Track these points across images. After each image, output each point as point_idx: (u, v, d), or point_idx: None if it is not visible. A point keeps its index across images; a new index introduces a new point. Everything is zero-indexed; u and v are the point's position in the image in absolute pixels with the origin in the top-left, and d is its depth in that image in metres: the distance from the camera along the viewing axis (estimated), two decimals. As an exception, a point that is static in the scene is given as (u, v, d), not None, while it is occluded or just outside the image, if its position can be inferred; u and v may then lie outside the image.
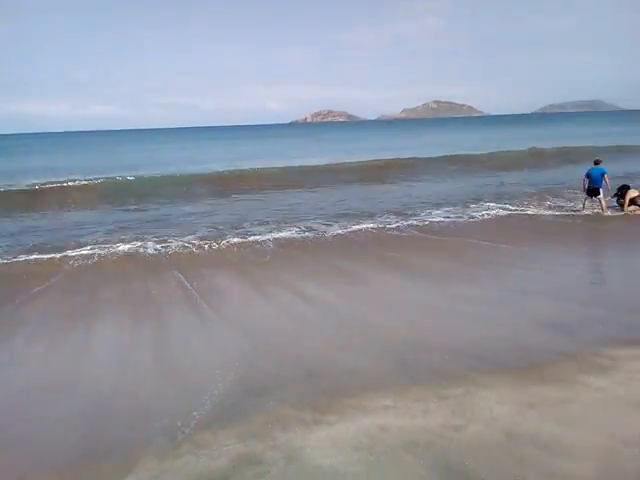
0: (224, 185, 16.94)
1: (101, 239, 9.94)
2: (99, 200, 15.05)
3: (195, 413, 3.81)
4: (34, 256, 8.70)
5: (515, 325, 5.23)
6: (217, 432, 3.53)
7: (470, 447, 3.18)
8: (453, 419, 3.49)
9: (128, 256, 8.72)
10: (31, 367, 4.93)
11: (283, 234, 10.03)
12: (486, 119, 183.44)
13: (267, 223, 11.16)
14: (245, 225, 11.03)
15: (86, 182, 17.06)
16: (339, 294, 6.62)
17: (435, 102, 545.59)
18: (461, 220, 10.95)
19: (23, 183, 17.19)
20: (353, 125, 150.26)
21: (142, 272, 8.01)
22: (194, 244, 9.32)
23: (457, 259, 8.09)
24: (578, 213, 11.34)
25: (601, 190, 11.15)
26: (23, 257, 8.68)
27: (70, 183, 16.71)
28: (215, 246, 9.23)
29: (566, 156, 22.30)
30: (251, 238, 9.69)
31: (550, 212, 11.56)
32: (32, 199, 14.92)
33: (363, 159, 22.35)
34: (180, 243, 9.41)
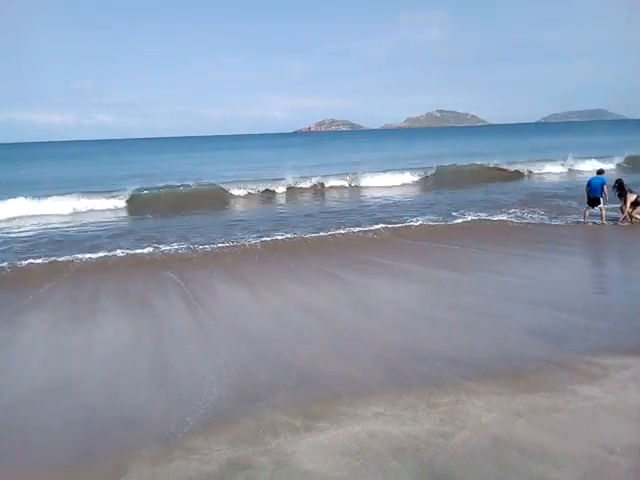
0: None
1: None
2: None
3: (188, 418, 3.86)
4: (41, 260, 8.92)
5: (506, 333, 5.27)
6: (209, 437, 3.58)
7: (456, 454, 3.22)
8: (441, 426, 3.53)
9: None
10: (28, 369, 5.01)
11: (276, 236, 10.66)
12: (489, 128, 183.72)
13: (258, 231, 11.34)
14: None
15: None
16: (329, 299, 6.74)
17: (439, 111, 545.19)
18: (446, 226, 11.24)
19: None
20: (355, 134, 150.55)
21: (140, 273, 8.31)
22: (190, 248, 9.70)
23: (447, 265, 8.17)
24: (575, 222, 11.42)
25: (601, 200, 11.19)
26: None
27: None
28: (208, 249, 9.71)
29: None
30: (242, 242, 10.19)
31: (549, 222, 11.64)
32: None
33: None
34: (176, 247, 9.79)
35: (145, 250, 9.69)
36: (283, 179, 19.42)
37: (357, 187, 19.40)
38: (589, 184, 11.49)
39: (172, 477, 3.17)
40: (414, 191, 18.29)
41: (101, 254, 9.46)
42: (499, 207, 13.36)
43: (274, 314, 6.29)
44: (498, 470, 3.02)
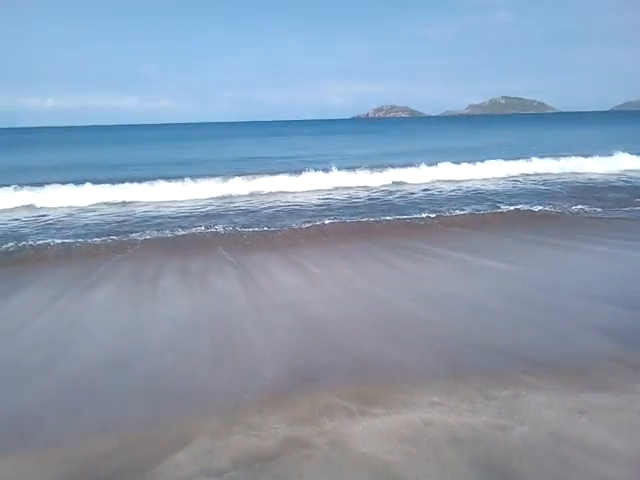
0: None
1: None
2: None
3: (246, 396, 4.00)
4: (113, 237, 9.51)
5: (568, 329, 5.08)
6: (267, 415, 3.70)
7: (515, 448, 3.17)
8: (500, 419, 3.48)
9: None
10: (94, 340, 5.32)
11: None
12: (557, 116, 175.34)
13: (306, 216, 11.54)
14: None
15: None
16: (382, 285, 6.74)
17: (503, 98, 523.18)
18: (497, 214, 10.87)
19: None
20: (415, 121, 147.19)
21: (196, 252, 8.84)
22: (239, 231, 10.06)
23: (501, 256, 8.00)
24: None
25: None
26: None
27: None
28: (257, 231, 10.16)
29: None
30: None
31: (608, 215, 11.11)
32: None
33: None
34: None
35: (199, 230, 10.37)
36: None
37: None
38: None
39: (232, 450, 3.30)
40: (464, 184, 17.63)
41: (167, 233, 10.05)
42: (551, 199, 12.92)
43: (328, 298, 6.35)
44: (558, 466, 2.96)
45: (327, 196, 14.56)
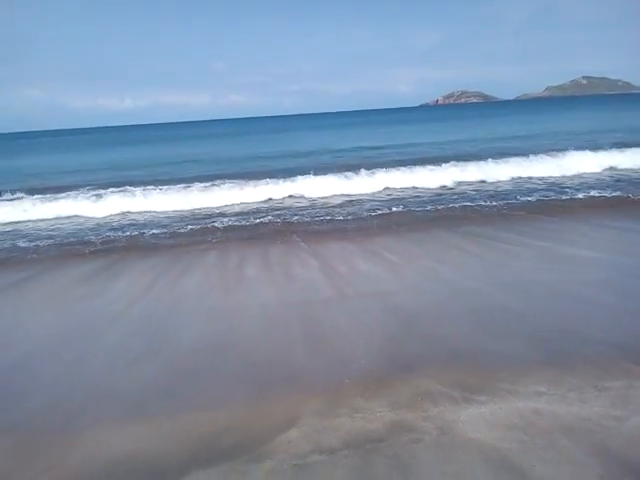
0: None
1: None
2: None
3: (346, 380, 4.10)
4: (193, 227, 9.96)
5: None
6: (369, 399, 3.78)
7: (632, 437, 3.09)
8: (613, 410, 3.39)
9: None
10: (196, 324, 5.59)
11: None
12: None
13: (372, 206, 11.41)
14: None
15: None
16: (466, 275, 6.65)
17: (585, 78, 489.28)
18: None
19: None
20: (487, 106, 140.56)
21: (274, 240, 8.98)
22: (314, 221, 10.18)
23: (583, 242, 7.70)
24: None
25: None
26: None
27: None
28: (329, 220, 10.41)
29: None
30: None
31: None
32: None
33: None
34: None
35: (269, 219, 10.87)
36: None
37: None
38: None
39: (341, 431, 3.41)
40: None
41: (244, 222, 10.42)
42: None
43: (411, 287, 6.34)
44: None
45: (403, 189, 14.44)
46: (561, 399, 3.56)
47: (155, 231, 10.51)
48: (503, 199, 11.55)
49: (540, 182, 13.79)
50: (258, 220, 10.91)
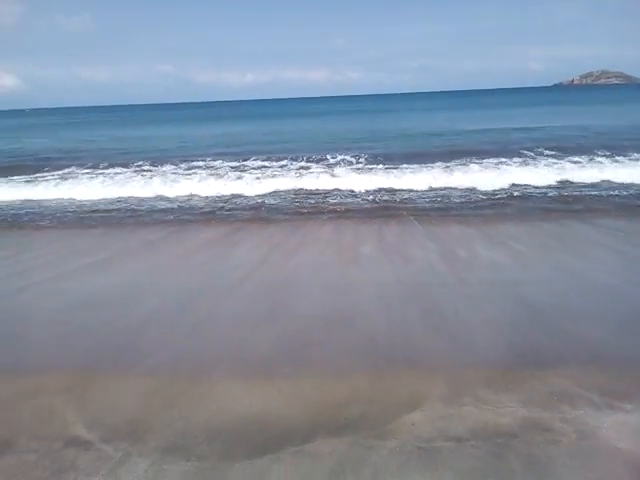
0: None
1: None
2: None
3: (470, 370, 3.92)
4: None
5: None
6: (498, 392, 3.58)
7: None
8: None
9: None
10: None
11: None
12: None
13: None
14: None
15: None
16: (600, 266, 6.14)
17: None
18: None
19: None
20: (633, 88, 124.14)
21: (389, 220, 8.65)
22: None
23: None
24: None
25: None
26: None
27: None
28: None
29: None
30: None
31: None
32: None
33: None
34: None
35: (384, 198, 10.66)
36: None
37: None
38: None
39: (468, 420, 3.27)
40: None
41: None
42: None
43: (542, 279, 5.91)
44: None
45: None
46: None
47: (272, 202, 10.92)
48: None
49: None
50: (371, 197, 10.87)
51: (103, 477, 2.93)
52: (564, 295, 5.40)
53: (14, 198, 12.63)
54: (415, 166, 13.63)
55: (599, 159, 13.68)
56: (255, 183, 12.80)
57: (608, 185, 11.36)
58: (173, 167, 15.64)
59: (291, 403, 3.60)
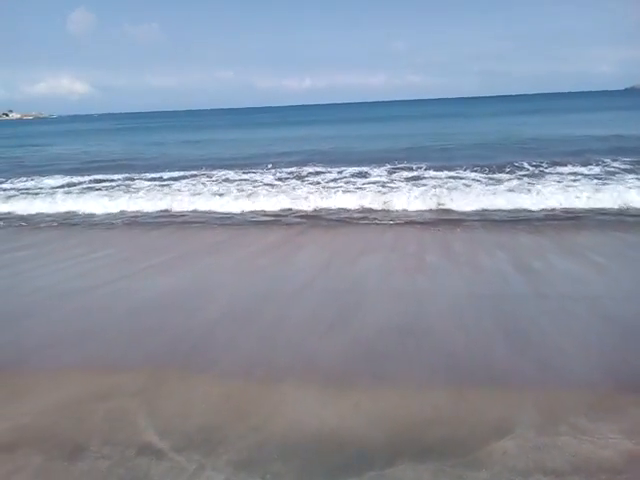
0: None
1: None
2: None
3: (564, 395, 3.62)
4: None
5: None
6: (596, 421, 3.27)
7: None
8: None
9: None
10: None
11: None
12: None
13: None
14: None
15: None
16: None
17: None
18: None
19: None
20: None
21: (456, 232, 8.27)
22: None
23: None
24: None
25: None
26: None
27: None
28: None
29: None
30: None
31: None
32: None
33: None
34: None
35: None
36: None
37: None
38: None
39: (565, 452, 2.99)
40: None
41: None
42: None
43: (629, 295, 5.46)
44: None
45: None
46: None
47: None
48: None
49: None
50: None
51: (181, 490, 2.85)
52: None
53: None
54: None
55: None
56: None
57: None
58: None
59: (370, 420, 3.42)
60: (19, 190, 14.17)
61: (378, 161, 15.68)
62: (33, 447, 3.28)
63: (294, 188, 12.24)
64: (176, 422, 3.48)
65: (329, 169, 14.85)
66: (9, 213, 11.88)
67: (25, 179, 15.97)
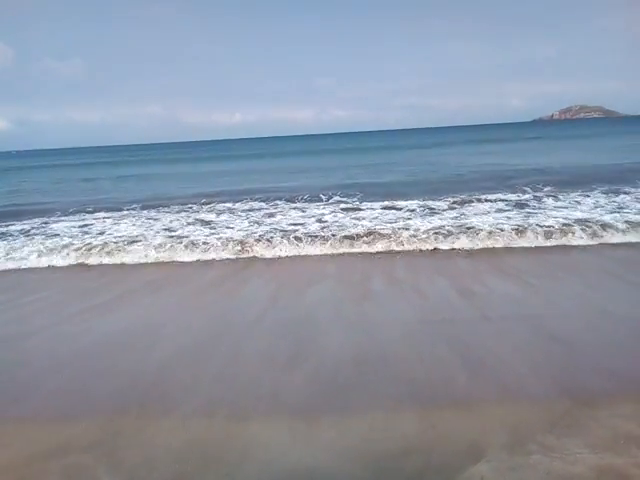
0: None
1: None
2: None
3: (525, 414, 3.74)
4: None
5: None
6: (561, 438, 3.40)
7: None
8: None
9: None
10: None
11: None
12: None
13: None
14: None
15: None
16: (625, 299, 5.96)
17: None
18: None
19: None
20: (610, 122, 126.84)
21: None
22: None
23: None
24: None
25: None
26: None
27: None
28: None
29: None
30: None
31: None
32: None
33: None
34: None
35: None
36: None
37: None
38: None
39: (540, 471, 3.07)
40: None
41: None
42: None
43: (564, 313, 5.79)
44: None
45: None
46: None
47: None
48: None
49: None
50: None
51: None
52: (592, 330, 5.29)
53: None
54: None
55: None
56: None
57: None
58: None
59: (343, 456, 3.35)
60: None
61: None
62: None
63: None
64: (141, 475, 3.23)
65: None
66: None
67: None
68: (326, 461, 3.30)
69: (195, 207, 15.10)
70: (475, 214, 11.82)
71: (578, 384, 4.15)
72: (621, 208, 11.52)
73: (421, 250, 9.23)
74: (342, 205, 14.16)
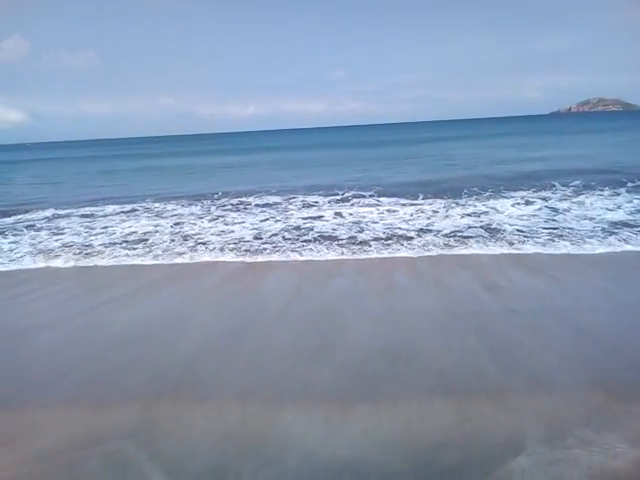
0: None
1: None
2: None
3: (562, 408, 3.72)
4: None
5: None
6: (600, 432, 3.39)
7: None
8: None
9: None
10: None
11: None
12: None
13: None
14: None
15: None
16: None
17: None
18: None
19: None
20: (629, 115, 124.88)
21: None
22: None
23: None
24: None
25: None
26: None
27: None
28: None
29: None
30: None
31: None
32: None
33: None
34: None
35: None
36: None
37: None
38: None
39: (581, 465, 3.06)
40: None
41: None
42: None
43: (591, 308, 5.76)
44: None
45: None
46: None
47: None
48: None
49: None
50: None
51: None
52: (623, 324, 5.26)
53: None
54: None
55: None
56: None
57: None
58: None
59: (380, 447, 3.36)
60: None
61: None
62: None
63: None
64: (182, 464, 3.27)
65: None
66: None
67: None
68: (363, 452, 3.32)
69: (207, 202, 15.36)
70: (499, 212, 11.76)
71: (610, 378, 4.12)
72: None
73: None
74: (362, 200, 14.22)
